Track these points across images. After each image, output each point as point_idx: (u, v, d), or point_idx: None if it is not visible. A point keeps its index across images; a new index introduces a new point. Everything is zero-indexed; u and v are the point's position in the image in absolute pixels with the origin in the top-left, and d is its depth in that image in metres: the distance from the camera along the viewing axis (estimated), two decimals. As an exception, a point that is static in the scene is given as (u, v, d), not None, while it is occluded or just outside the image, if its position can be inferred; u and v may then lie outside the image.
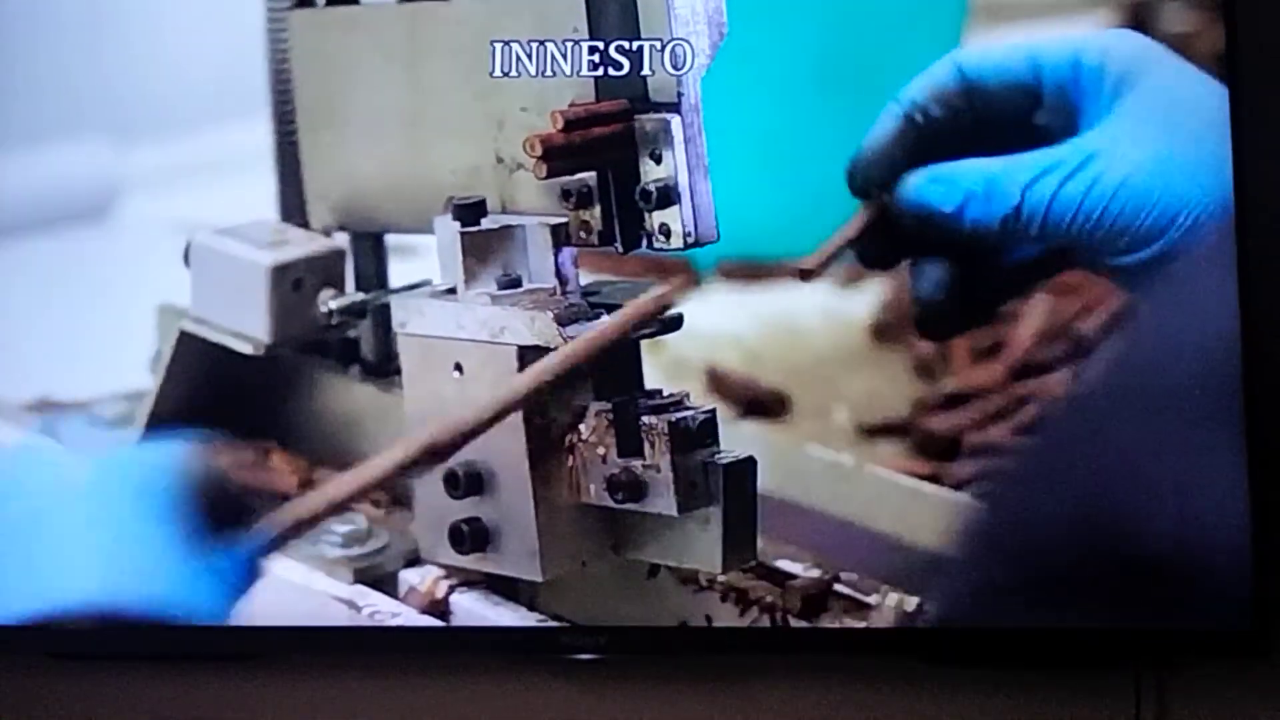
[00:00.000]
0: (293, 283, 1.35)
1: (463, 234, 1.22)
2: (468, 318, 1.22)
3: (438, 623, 1.34)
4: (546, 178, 1.20)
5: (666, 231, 1.20)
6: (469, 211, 1.22)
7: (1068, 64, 1.19)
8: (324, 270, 1.36)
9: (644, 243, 1.21)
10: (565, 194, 1.21)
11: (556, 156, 1.19)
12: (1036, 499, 1.19)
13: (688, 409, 1.19)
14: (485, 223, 1.23)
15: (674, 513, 1.17)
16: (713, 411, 1.19)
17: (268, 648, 1.59)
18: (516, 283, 1.21)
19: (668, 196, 1.19)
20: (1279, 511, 1.50)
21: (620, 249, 1.21)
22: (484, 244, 1.22)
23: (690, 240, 1.20)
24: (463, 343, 1.22)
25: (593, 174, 1.21)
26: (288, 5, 1.36)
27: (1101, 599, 1.18)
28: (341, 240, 1.37)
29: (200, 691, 1.70)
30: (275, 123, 1.39)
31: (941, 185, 1.17)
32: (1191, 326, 1.14)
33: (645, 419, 1.18)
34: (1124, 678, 1.56)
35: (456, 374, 1.22)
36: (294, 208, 1.40)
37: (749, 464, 1.18)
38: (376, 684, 1.66)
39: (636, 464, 1.18)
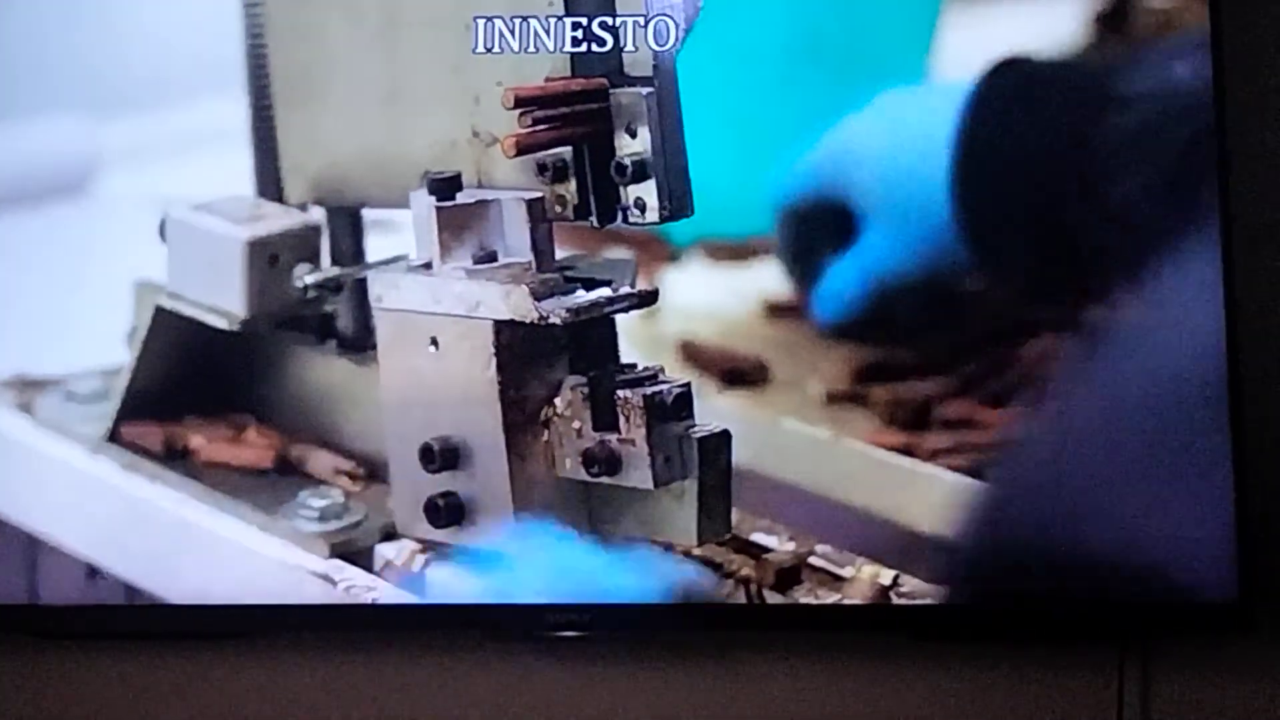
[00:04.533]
0: (269, 258, 1.35)
1: (438, 208, 1.22)
2: (444, 292, 1.22)
3: (421, 601, 1.35)
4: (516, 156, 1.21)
5: (642, 206, 1.20)
6: (445, 186, 1.23)
7: None
8: (300, 245, 1.36)
9: (620, 217, 1.21)
10: (541, 168, 1.21)
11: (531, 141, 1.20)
12: (1029, 481, 1.26)
13: (663, 383, 1.19)
14: (461, 197, 1.23)
15: (650, 486, 1.18)
16: (688, 385, 1.20)
17: (252, 626, 1.59)
18: (492, 257, 1.22)
19: (643, 171, 1.20)
20: (1261, 489, 1.50)
21: (596, 223, 1.21)
22: (460, 218, 1.23)
23: (665, 215, 1.20)
24: (438, 317, 1.23)
25: (568, 149, 1.21)
26: (263, -20, 1.36)
27: (1086, 575, 1.26)
28: (318, 215, 1.38)
29: (184, 670, 1.70)
30: (251, 97, 1.39)
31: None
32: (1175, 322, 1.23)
33: (620, 393, 1.18)
34: (1108, 653, 1.55)
35: (432, 348, 1.23)
36: (270, 182, 1.40)
37: (724, 437, 1.19)
38: (361, 661, 1.67)
39: (612, 438, 1.19)
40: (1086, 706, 1.56)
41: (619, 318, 1.23)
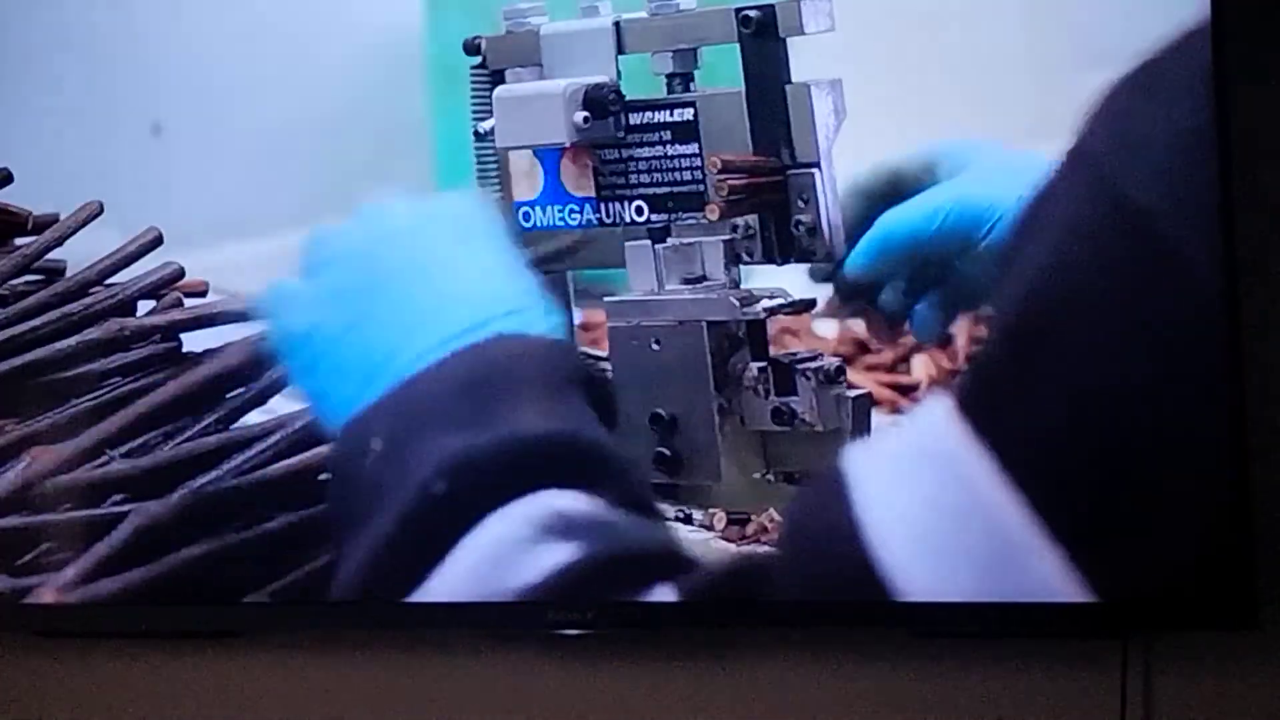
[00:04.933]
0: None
1: (657, 249, 1.65)
2: (664, 306, 1.63)
3: (424, 599, 1.43)
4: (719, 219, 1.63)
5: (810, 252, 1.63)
6: (660, 232, 1.66)
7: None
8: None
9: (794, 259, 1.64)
10: (733, 228, 1.65)
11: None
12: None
13: (825, 360, 1.64)
14: (670, 240, 1.66)
15: (820, 428, 1.62)
16: (842, 360, 1.65)
17: (252, 625, 1.65)
18: (702, 279, 1.65)
19: (813, 228, 1.61)
20: (1264, 484, 1.50)
21: (779, 263, 1.64)
22: (672, 256, 1.66)
23: (826, 255, 1.63)
24: (659, 326, 1.64)
25: (755, 215, 1.63)
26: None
27: (1089, 569, 1.25)
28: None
29: (186, 668, 1.74)
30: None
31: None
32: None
33: (799, 366, 1.63)
34: (1111, 647, 1.55)
35: (655, 346, 1.63)
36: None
37: (867, 397, 1.64)
38: (362, 659, 1.70)
39: (791, 399, 1.63)
40: (1089, 701, 1.57)
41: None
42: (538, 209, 1.69)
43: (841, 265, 1.62)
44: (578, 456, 1.36)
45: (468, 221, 1.47)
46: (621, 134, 1.65)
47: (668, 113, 1.64)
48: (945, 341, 1.68)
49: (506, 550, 1.33)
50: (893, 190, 1.60)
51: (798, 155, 1.60)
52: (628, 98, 1.64)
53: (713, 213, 1.63)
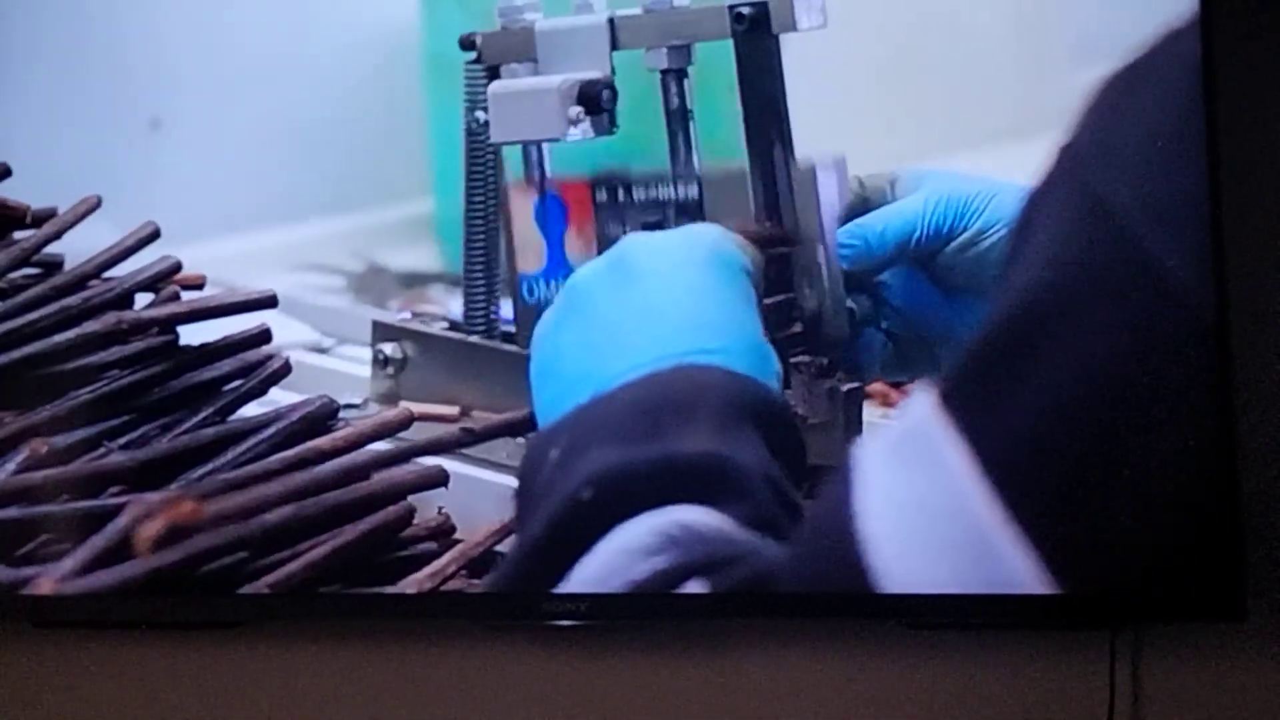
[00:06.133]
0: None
1: None
2: None
3: (419, 590, 1.53)
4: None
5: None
6: None
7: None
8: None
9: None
10: None
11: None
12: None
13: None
14: None
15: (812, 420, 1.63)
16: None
17: (250, 616, 1.65)
18: None
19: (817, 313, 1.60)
20: (1251, 477, 1.53)
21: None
22: None
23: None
24: None
25: None
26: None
27: (1078, 561, 1.25)
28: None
29: (183, 660, 1.73)
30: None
31: None
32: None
33: (793, 361, 1.63)
34: (1099, 638, 1.56)
35: None
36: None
37: (859, 391, 1.64)
38: (357, 650, 1.70)
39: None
40: (1078, 692, 1.58)
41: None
42: (541, 282, 1.69)
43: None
44: (724, 479, 1.36)
45: (705, 254, 1.48)
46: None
47: (671, 190, 1.64)
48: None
49: (622, 560, 1.36)
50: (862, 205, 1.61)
51: (802, 234, 1.61)
52: (631, 176, 1.64)
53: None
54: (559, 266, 1.67)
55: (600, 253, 1.62)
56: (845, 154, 1.59)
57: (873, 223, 1.57)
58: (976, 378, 1.27)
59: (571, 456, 1.39)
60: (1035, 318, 1.25)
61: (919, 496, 1.26)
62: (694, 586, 1.35)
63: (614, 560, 1.35)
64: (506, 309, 1.71)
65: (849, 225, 1.58)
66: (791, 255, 1.59)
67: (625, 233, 1.63)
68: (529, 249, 1.68)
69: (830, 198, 1.58)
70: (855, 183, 1.60)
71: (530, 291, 1.68)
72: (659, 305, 1.44)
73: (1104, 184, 1.24)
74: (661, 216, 1.63)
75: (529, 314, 1.65)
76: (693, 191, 1.62)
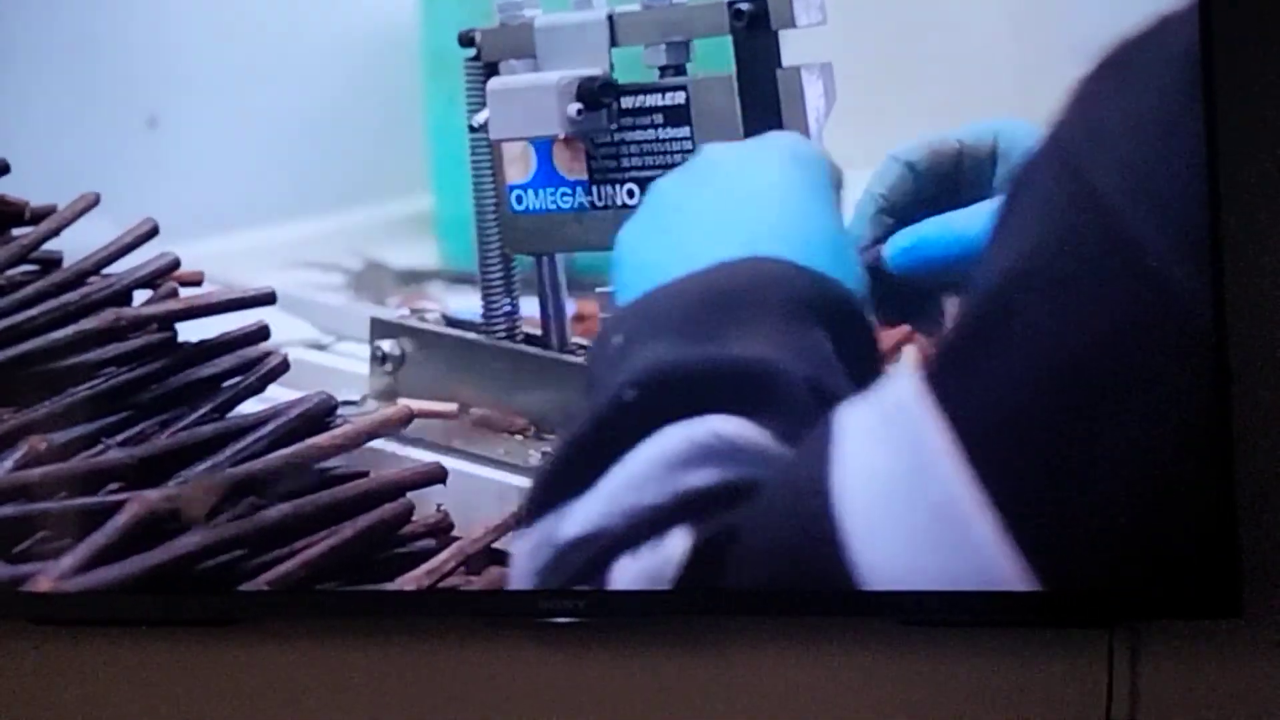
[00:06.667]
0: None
1: None
2: None
3: (418, 587, 1.55)
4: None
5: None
6: None
7: (986, 157, 1.53)
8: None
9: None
10: None
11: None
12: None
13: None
14: None
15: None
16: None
17: (248, 613, 1.64)
18: None
19: None
20: (1247, 473, 1.52)
21: None
22: None
23: None
24: None
25: None
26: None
27: (1076, 559, 1.24)
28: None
29: (182, 656, 1.73)
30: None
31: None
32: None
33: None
34: (1096, 635, 1.56)
35: None
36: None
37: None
38: (355, 647, 1.70)
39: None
40: (1075, 689, 1.57)
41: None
42: (530, 192, 1.70)
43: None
44: (769, 388, 1.32)
45: (785, 154, 1.47)
46: (614, 125, 1.66)
47: (660, 96, 1.65)
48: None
49: (658, 470, 1.32)
50: (955, 171, 1.56)
51: None
52: (620, 81, 1.65)
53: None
54: (547, 177, 1.67)
55: (589, 167, 1.65)
56: (831, 61, 1.58)
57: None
58: (960, 359, 1.24)
59: (630, 345, 1.37)
60: (1018, 299, 1.23)
61: (898, 477, 1.24)
62: (682, 535, 1.31)
63: (649, 470, 1.32)
64: (526, 307, 1.72)
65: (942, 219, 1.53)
66: None
67: (613, 143, 1.64)
68: (517, 160, 1.69)
69: (816, 99, 1.57)
70: (956, 143, 1.57)
71: (519, 200, 1.69)
72: (735, 199, 1.43)
73: (1091, 166, 1.21)
74: (650, 123, 1.63)
75: (516, 221, 1.68)
76: (679, 98, 1.62)
